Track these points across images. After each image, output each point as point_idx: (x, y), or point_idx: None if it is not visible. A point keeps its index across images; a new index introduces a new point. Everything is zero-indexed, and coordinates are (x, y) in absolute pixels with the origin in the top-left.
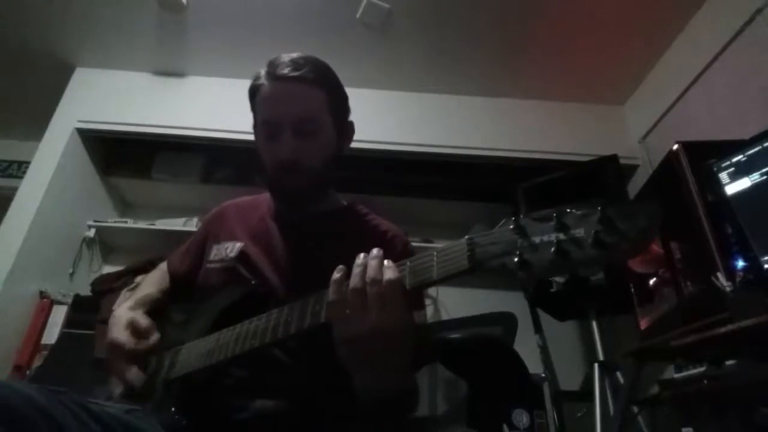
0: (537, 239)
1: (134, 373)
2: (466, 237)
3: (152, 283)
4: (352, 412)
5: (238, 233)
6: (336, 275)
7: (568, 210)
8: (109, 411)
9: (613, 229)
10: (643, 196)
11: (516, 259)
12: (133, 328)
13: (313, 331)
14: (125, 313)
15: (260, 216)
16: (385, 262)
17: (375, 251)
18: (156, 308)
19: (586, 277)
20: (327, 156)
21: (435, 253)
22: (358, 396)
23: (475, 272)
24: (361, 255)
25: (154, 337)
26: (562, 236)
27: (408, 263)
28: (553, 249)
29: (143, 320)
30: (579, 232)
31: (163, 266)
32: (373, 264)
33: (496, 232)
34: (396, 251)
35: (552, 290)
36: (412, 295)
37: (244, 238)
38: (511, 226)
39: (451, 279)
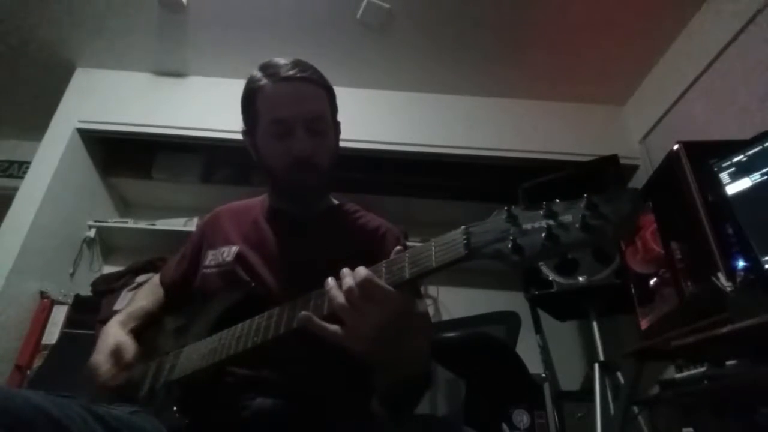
0: (528, 226)
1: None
2: (463, 226)
3: (144, 296)
4: (351, 408)
5: (233, 237)
6: (329, 283)
7: (557, 200)
8: (114, 413)
9: (598, 214)
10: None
11: (509, 245)
12: (117, 356)
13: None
14: (115, 332)
15: (254, 219)
16: (357, 270)
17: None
18: (149, 321)
19: (576, 261)
20: (332, 155)
21: (433, 243)
22: (380, 385)
23: (472, 259)
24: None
25: (123, 376)
26: (551, 222)
27: (407, 254)
28: (543, 234)
29: (128, 350)
30: (567, 217)
31: (155, 280)
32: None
33: (490, 221)
34: (389, 246)
35: (552, 290)
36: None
37: (239, 242)
38: (504, 216)
39: (450, 266)
